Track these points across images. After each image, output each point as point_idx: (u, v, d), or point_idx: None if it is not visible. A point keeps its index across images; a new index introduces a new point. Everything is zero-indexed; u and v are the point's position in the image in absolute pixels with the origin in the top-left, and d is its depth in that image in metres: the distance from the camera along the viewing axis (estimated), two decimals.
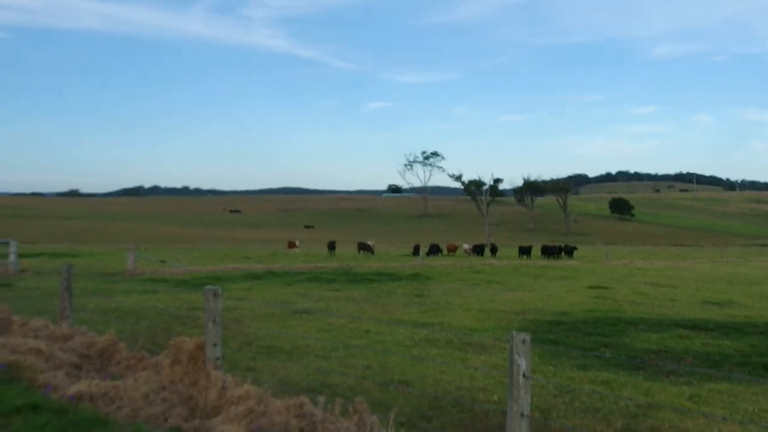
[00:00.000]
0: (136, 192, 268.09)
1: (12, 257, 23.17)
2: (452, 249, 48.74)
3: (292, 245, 49.50)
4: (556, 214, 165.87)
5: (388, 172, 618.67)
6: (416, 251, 42.92)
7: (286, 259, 37.91)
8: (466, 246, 50.78)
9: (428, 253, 47.18)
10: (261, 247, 65.36)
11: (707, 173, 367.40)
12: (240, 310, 13.25)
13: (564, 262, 39.75)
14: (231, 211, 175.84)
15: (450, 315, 13.32)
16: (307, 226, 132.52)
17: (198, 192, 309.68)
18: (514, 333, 4.86)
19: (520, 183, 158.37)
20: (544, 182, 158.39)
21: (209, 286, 6.83)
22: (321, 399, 5.74)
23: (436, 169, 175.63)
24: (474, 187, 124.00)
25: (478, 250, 50.27)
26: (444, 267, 30.84)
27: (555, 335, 10.99)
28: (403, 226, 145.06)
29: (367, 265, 30.93)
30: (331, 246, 47.06)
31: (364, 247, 48.45)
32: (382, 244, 76.07)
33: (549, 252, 48.02)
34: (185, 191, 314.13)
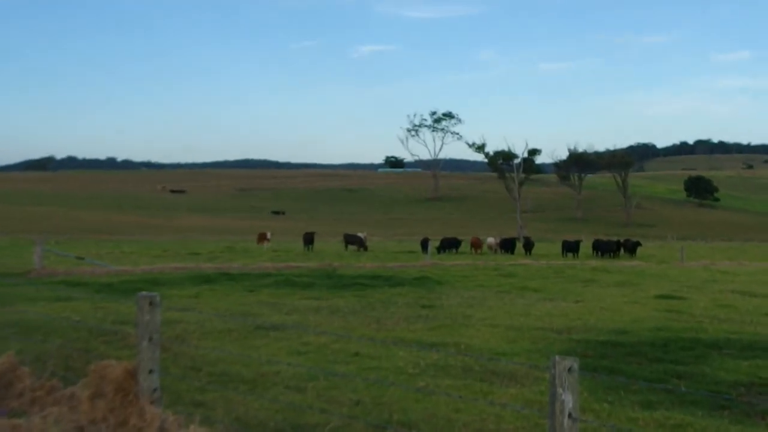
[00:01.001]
0: (44, 165, 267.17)
1: None
2: (477, 245, 48.81)
3: (263, 238, 49.67)
4: (612, 197, 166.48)
5: (385, 139, 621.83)
6: (424, 247, 42.98)
7: (248, 257, 37.92)
8: (491, 240, 50.95)
9: (440, 250, 47.23)
10: (213, 239, 65.47)
11: None
12: (185, 324, 13.25)
13: (623, 262, 39.89)
14: (172, 191, 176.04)
15: (469, 333, 13.35)
16: (276, 212, 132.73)
17: (127, 165, 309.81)
18: (556, 358, 4.86)
19: (563, 155, 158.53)
20: (597, 155, 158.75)
21: (143, 293, 6.82)
22: None
23: (450, 135, 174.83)
24: (502, 161, 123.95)
25: (507, 245, 50.38)
26: (461, 268, 30.90)
27: (611, 361, 11.01)
28: (405, 212, 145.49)
29: (357, 265, 30.95)
30: (308, 239, 47.17)
31: (352, 240, 48.51)
32: (377, 236, 76.25)
33: (603, 249, 48.17)
34: (110, 164, 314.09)
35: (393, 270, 28.90)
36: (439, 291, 20.83)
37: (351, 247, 47.72)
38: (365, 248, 46.89)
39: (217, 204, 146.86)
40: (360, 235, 50.04)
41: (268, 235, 49.44)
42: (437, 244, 48.48)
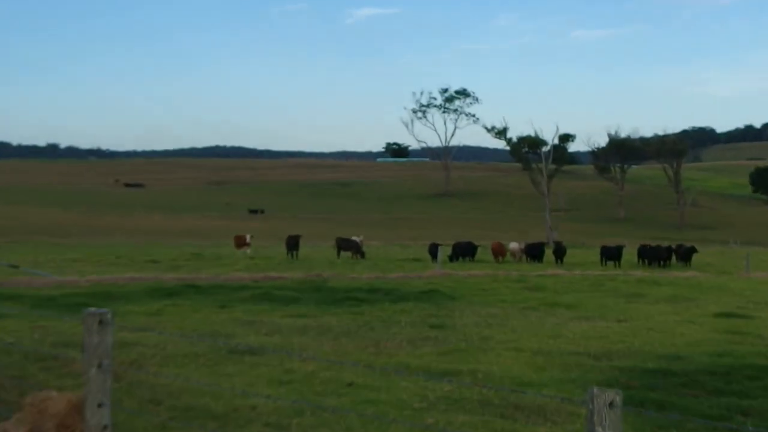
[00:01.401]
0: None
1: None
2: (499, 252, 48.76)
3: (242, 243, 49.73)
4: (661, 193, 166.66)
5: (386, 123, 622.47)
6: (433, 253, 42.96)
7: (219, 265, 37.87)
8: (514, 246, 50.90)
9: (453, 257, 47.21)
10: (177, 244, 65.38)
11: None
12: (142, 347, 13.25)
13: (675, 272, 39.87)
14: (127, 185, 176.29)
15: (487, 359, 13.33)
16: (253, 211, 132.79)
17: (72, 153, 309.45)
18: (594, 390, 4.84)
19: (602, 142, 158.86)
20: (643, 141, 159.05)
21: (91, 309, 6.80)
22: None
23: (464, 118, 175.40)
24: (528, 149, 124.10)
25: (533, 252, 50.30)
26: (478, 280, 30.88)
27: (661, 394, 10.99)
28: (410, 211, 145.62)
29: (352, 276, 30.94)
30: (293, 243, 47.14)
31: (346, 245, 48.50)
32: (375, 240, 76.10)
33: (651, 256, 48.10)
34: (51, 152, 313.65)
35: (395, 282, 28.88)
36: (452, 307, 20.83)
37: (344, 254, 47.65)
38: (362, 255, 46.83)
39: (181, 201, 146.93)
40: (355, 239, 50.04)
41: (248, 239, 49.43)
42: (449, 250, 48.45)
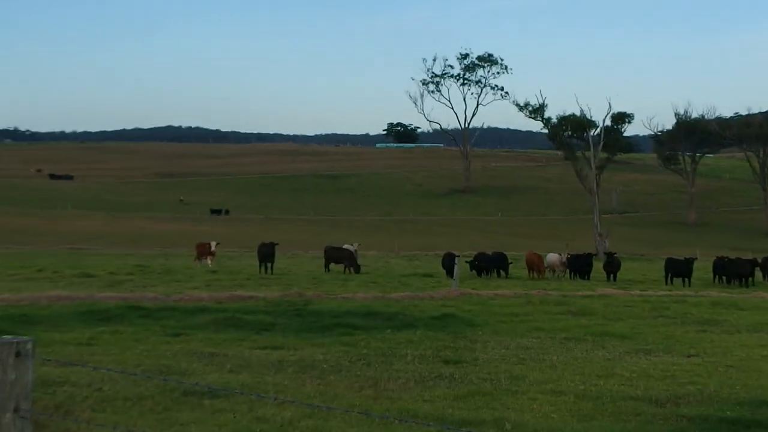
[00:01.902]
0: None
1: None
2: (537, 265, 48.76)
3: (205, 252, 49.66)
4: (744, 190, 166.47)
5: (388, 98, 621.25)
6: (449, 267, 42.97)
7: (171, 280, 37.80)
8: (553, 258, 50.96)
9: (478, 272, 47.30)
10: (117, 253, 65.25)
11: None
12: (72, 386, 13.22)
13: (762, 293, 39.80)
14: (53, 177, 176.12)
15: (518, 404, 13.31)
16: (216, 211, 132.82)
17: None
18: None
19: (668, 124, 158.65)
20: (721, 122, 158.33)
21: (7, 337, 6.80)
22: None
23: (489, 92, 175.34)
24: (571, 132, 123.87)
25: (579, 265, 50.37)
26: (507, 301, 30.85)
27: None
28: (419, 211, 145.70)
29: (344, 296, 30.90)
30: (266, 254, 47.17)
31: (337, 255, 48.48)
32: (373, 249, 75.96)
33: (730, 272, 48.11)
34: None
35: (399, 304, 28.81)
36: (472, 337, 20.81)
37: (335, 267, 47.80)
38: (356, 269, 46.87)
39: (122, 197, 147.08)
40: (348, 247, 50.06)
41: (213, 246, 49.40)
42: (470, 262, 48.49)
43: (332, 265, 47.91)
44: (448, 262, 43.97)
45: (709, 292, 39.04)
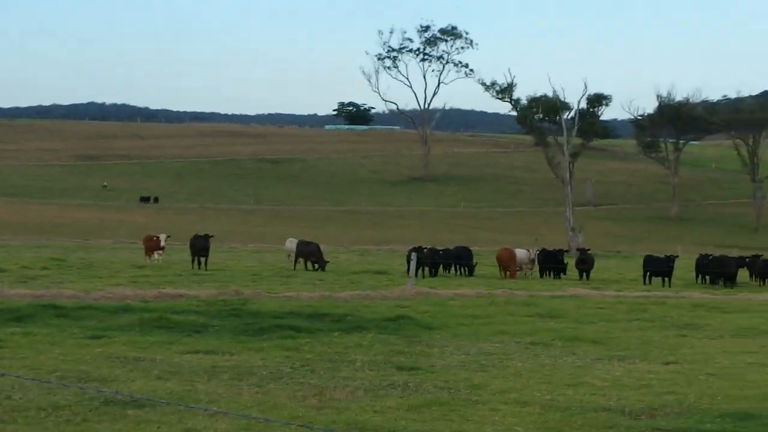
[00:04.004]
0: None
1: None
2: (509, 263, 48.81)
3: (153, 245, 49.38)
4: (731, 180, 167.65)
5: (338, 74, 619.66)
6: (417, 262, 43.10)
7: (91, 276, 37.56)
8: (522, 253, 51.14)
9: (432, 269, 47.45)
10: (30, 244, 64.60)
11: None
12: None
13: (748, 294, 40.09)
14: None
15: (479, 416, 13.38)
16: (145, 199, 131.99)
17: None
18: None
19: (649, 108, 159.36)
20: (707, 107, 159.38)
21: None
22: None
23: (451, 68, 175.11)
24: (543, 115, 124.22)
25: (549, 262, 50.58)
26: (468, 302, 30.93)
27: None
28: (372, 201, 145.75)
29: (286, 294, 30.88)
30: (200, 246, 47.04)
31: (307, 250, 48.63)
32: (321, 243, 75.34)
33: (714, 271, 48.42)
34: None
35: (348, 304, 28.82)
36: (429, 342, 20.87)
37: (291, 260, 48.34)
38: (323, 266, 47.15)
39: (37, 182, 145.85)
40: (306, 244, 50.04)
41: (163, 240, 49.04)
42: (429, 258, 48.63)
43: (297, 261, 48.26)
44: (414, 256, 43.70)
45: (690, 293, 39.27)
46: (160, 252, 48.70)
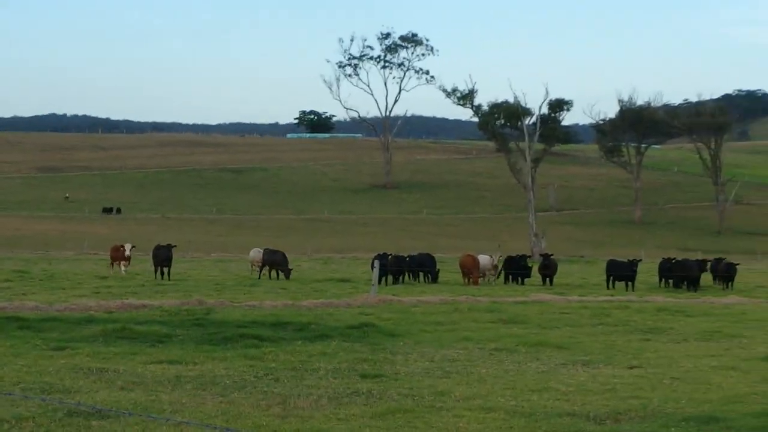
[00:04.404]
0: None
1: None
2: (472, 269, 48.81)
3: (119, 256, 49.12)
4: (694, 184, 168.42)
5: (299, 82, 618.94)
6: (383, 269, 43.01)
7: (54, 287, 37.35)
8: (485, 259, 51.17)
9: (397, 276, 47.45)
10: None
11: None
12: None
13: (712, 298, 40.25)
14: None
15: (443, 422, 13.40)
16: (108, 210, 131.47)
17: None
18: None
19: (610, 112, 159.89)
20: (669, 111, 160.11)
21: None
22: None
23: (412, 75, 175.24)
24: (504, 121, 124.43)
25: (512, 268, 50.62)
26: (431, 309, 30.96)
27: None
28: (334, 210, 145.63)
29: (249, 304, 30.81)
30: (163, 256, 46.87)
31: (275, 259, 48.57)
32: (284, 251, 75.30)
33: (677, 275, 48.56)
34: None
35: (312, 312, 28.84)
36: (393, 349, 20.91)
37: (255, 270, 48.45)
38: (287, 274, 47.24)
39: None
40: (273, 253, 50.01)
41: (128, 250, 48.73)
42: (396, 265, 48.62)
43: (263, 270, 48.30)
44: (380, 264, 43.47)
45: (654, 297, 39.34)
46: (127, 262, 48.39)
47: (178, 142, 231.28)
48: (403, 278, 48.27)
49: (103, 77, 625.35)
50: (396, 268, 47.85)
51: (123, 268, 47.95)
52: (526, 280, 49.60)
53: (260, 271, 48.79)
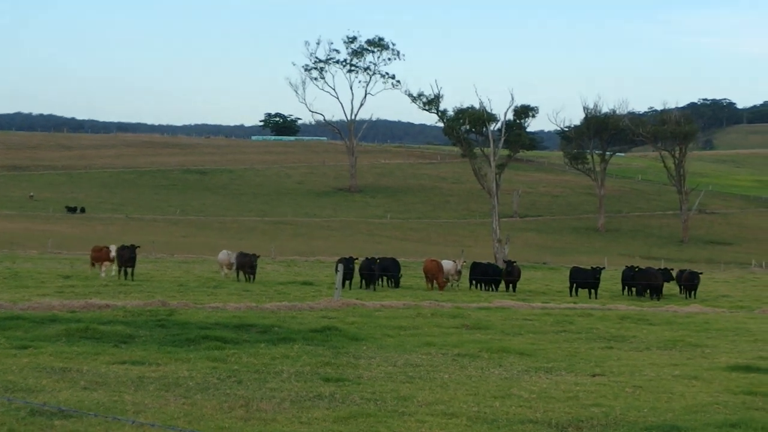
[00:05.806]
0: None
1: None
2: (436, 274, 48.87)
3: (102, 257, 48.87)
4: (657, 192, 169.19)
5: (265, 85, 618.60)
6: (345, 273, 43.07)
7: (17, 286, 37.28)
8: (449, 264, 51.29)
9: (366, 280, 47.53)
10: None
11: None
12: None
13: (674, 306, 40.46)
14: None
15: (406, 427, 13.45)
16: (71, 209, 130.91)
17: None
18: None
19: (575, 119, 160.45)
20: (633, 119, 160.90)
21: None
22: None
23: (378, 80, 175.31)
24: (469, 127, 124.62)
25: (476, 274, 50.77)
26: (394, 313, 30.91)
27: None
28: (298, 212, 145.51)
29: (212, 305, 30.75)
30: (126, 257, 46.78)
31: (245, 261, 48.66)
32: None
33: (640, 283, 48.79)
34: None
35: (275, 314, 28.76)
36: (356, 353, 20.92)
37: (227, 272, 48.77)
38: (253, 275, 47.77)
39: None
40: (247, 255, 50.05)
41: (113, 252, 48.36)
42: (361, 269, 48.63)
43: (229, 272, 48.68)
44: (342, 267, 43.28)
45: (617, 305, 39.57)
46: (111, 263, 48.08)
47: (143, 143, 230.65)
48: (373, 284, 47.93)
49: (69, 77, 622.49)
50: (367, 272, 47.77)
51: (104, 269, 47.61)
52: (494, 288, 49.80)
53: (237, 274, 49.03)
